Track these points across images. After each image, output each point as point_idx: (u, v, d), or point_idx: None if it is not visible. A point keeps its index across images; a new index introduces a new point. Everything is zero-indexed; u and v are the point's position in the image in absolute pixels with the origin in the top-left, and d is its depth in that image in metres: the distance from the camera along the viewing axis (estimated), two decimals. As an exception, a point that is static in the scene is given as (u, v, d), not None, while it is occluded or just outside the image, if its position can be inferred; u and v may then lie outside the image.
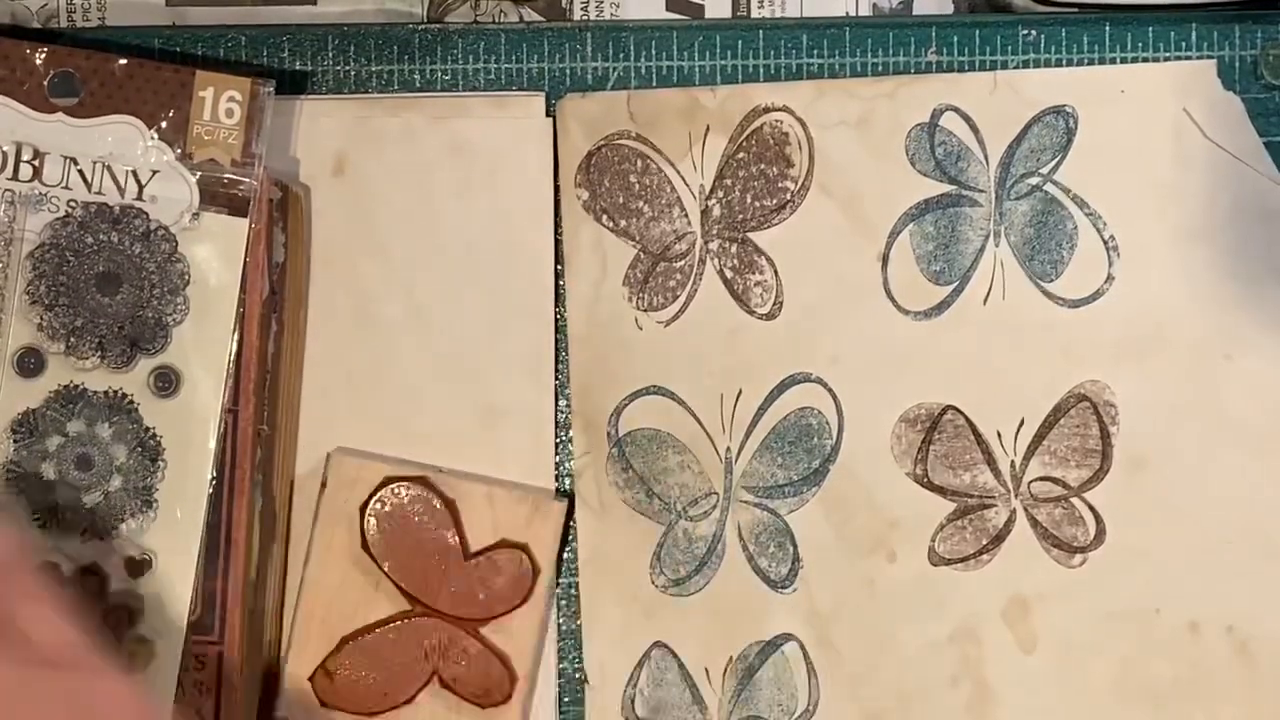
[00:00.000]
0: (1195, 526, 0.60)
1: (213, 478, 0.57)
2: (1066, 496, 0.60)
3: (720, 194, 0.61)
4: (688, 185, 0.61)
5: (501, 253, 0.61)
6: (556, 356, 0.61)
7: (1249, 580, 0.60)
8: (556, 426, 0.61)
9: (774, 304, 0.61)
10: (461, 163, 0.61)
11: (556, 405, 0.61)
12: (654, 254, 0.61)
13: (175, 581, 0.57)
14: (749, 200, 0.61)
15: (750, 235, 0.61)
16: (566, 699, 0.61)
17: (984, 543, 0.60)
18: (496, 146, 0.61)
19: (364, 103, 0.61)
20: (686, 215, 0.61)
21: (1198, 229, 0.60)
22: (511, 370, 0.61)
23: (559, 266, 0.61)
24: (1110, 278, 0.61)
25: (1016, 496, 0.61)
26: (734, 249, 0.61)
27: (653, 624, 0.61)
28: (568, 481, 0.61)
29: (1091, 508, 0.60)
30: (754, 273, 0.61)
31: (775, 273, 0.61)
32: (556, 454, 0.61)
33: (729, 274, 0.61)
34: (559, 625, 0.61)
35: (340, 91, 0.61)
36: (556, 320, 0.61)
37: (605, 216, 0.61)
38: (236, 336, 0.58)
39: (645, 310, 0.61)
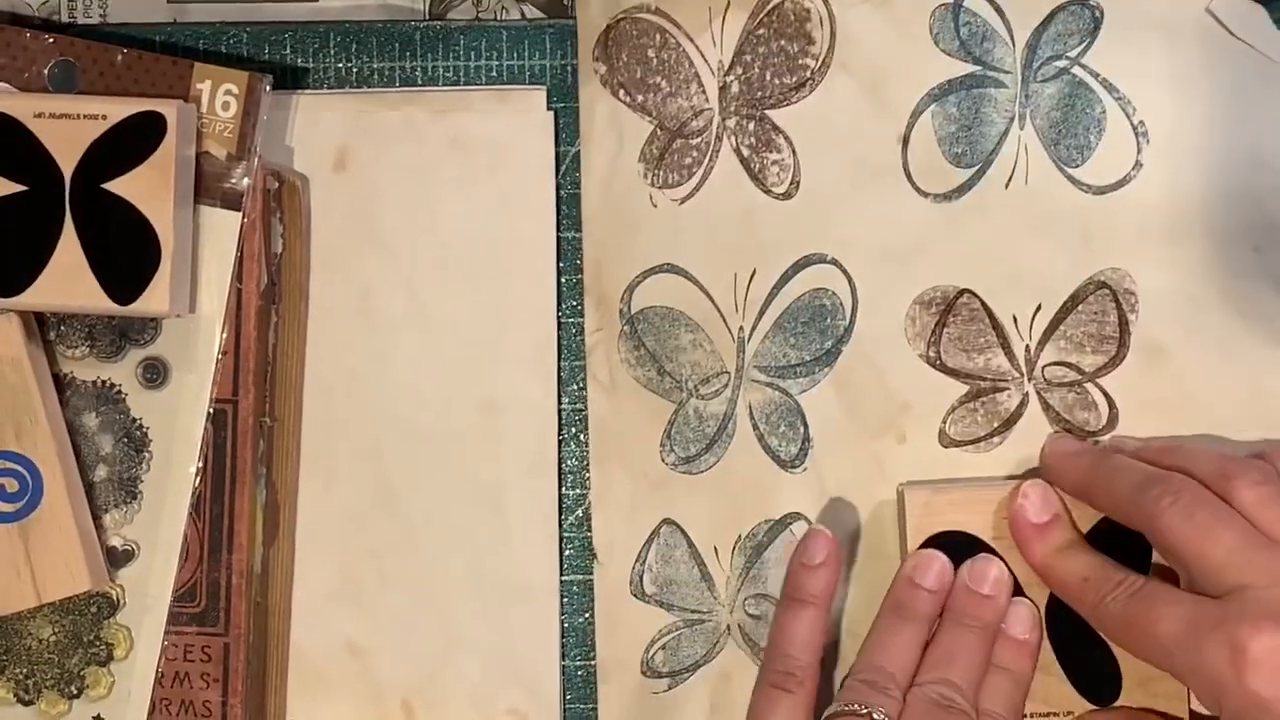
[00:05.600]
0: (1210, 415, 0.59)
1: (198, 470, 0.57)
2: (1080, 381, 0.60)
3: (739, 70, 0.60)
4: (706, 61, 0.60)
5: (503, 246, 0.60)
6: (559, 351, 0.61)
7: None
8: (560, 421, 0.61)
9: (790, 184, 0.60)
10: (463, 157, 0.60)
11: (559, 401, 0.61)
12: (670, 130, 0.61)
13: (157, 572, 0.58)
14: (768, 77, 0.60)
15: (768, 113, 0.60)
16: (570, 696, 0.61)
17: (995, 425, 0.60)
18: (498, 140, 0.60)
19: (364, 97, 0.61)
20: (704, 91, 0.60)
21: (1232, 119, 0.59)
22: (513, 364, 0.60)
23: (564, 252, 0.61)
24: (1139, 164, 0.60)
25: (1030, 380, 0.60)
26: (751, 127, 0.60)
27: (662, 501, 0.61)
28: (570, 479, 0.61)
29: (1105, 393, 0.60)
30: (771, 151, 0.60)
31: (793, 152, 0.60)
32: (559, 451, 0.61)
33: (746, 152, 0.60)
34: (562, 621, 0.61)
35: (342, 88, 0.61)
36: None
37: (622, 91, 0.61)
38: (228, 329, 0.57)
39: (660, 187, 0.61)
